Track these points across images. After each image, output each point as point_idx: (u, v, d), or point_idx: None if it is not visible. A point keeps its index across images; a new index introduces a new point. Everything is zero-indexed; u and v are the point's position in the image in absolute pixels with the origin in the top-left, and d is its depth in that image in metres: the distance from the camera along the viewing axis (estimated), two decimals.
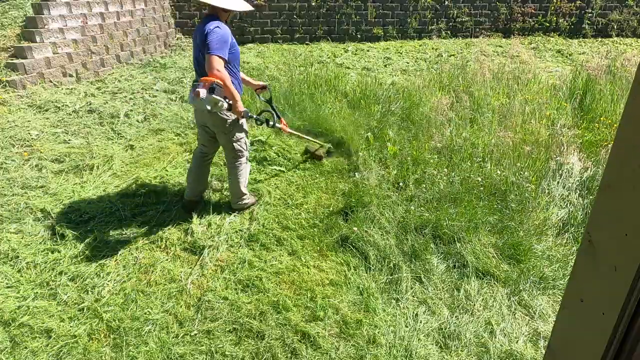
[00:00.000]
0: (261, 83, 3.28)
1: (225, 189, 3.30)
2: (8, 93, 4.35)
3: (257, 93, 3.36)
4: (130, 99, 4.90)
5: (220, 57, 2.55)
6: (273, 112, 3.28)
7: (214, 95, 2.54)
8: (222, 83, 2.57)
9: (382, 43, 8.21)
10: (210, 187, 3.35)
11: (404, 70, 6.49)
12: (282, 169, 3.64)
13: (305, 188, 3.37)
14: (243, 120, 2.93)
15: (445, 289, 2.45)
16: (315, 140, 3.83)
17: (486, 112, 4.26)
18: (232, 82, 2.70)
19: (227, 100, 2.66)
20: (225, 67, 2.61)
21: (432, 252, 2.68)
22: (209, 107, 2.58)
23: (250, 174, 3.36)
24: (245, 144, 3.03)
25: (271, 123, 3.14)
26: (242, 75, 3.08)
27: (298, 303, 2.35)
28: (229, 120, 2.81)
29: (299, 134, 3.75)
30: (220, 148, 3.09)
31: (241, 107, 2.76)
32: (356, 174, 3.45)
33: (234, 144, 2.93)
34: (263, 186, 3.37)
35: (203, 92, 2.50)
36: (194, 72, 2.96)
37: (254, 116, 3.06)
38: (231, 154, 2.98)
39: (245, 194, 3.13)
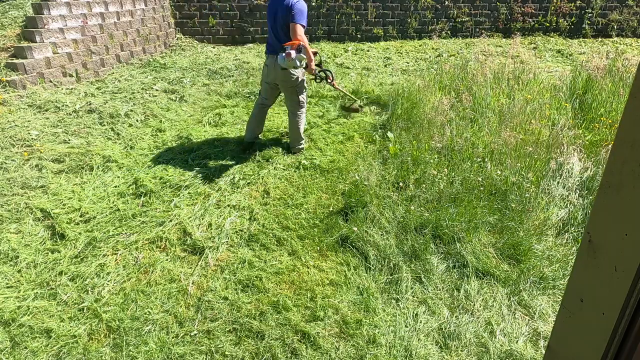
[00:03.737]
0: (313, 49, 3.89)
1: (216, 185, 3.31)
2: (8, 93, 4.35)
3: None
4: (130, 99, 4.90)
5: (303, 25, 3.29)
6: (326, 72, 4.10)
7: (301, 54, 3.29)
8: (304, 45, 3.28)
9: (382, 43, 8.21)
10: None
11: (404, 70, 6.49)
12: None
13: (305, 188, 3.37)
14: (305, 78, 3.67)
15: (445, 289, 2.45)
16: (350, 95, 4.87)
17: (487, 112, 4.26)
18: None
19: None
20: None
21: (432, 252, 2.68)
22: (298, 63, 3.31)
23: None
24: (306, 97, 3.77)
25: (329, 80, 4.09)
26: None
27: (298, 303, 2.35)
28: (296, 78, 3.53)
29: (345, 91, 4.76)
30: (278, 100, 4.03)
31: (314, 66, 3.53)
32: (356, 174, 3.45)
33: (299, 96, 3.67)
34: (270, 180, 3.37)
35: (293, 53, 3.22)
36: (271, 41, 3.59)
37: (319, 74, 3.98)
38: (294, 105, 3.72)
39: (303, 139, 3.90)
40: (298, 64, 3.28)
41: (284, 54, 3.24)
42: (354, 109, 4.70)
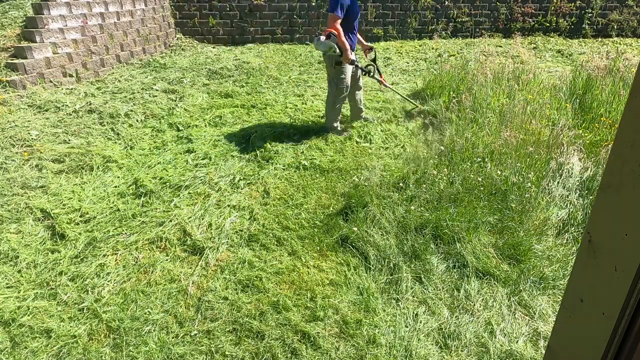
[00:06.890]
0: (370, 45, 4.26)
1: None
2: (8, 93, 4.35)
3: (365, 53, 4.30)
4: (130, 99, 4.90)
5: (335, 14, 3.60)
6: (376, 68, 4.24)
7: (329, 41, 3.65)
8: (337, 34, 3.63)
9: (382, 43, 8.21)
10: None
11: (404, 70, 6.49)
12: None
13: (305, 188, 3.37)
14: (345, 69, 3.88)
15: (445, 289, 2.45)
16: (408, 99, 4.77)
17: (487, 113, 4.25)
18: (348, 37, 3.76)
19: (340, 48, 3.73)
20: (341, 24, 3.66)
21: (432, 252, 2.68)
22: (325, 49, 3.68)
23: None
24: (344, 88, 3.97)
25: (371, 74, 4.19)
26: (358, 35, 4.04)
27: (298, 303, 2.35)
28: (332, 64, 3.82)
29: (395, 90, 4.75)
30: (360, 84, 4.28)
31: (349, 56, 3.73)
32: (357, 177, 3.45)
33: (335, 81, 3.92)
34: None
35: (322, 38, 3.63)
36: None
37: (360, 66, 4.10)
38: (330, 90, 4.01)
39: (335, 124, 4.16)
40: (324, 49, 3.65)
41: (317, 38, 3.69)
42: (411, 115, 4.66)
